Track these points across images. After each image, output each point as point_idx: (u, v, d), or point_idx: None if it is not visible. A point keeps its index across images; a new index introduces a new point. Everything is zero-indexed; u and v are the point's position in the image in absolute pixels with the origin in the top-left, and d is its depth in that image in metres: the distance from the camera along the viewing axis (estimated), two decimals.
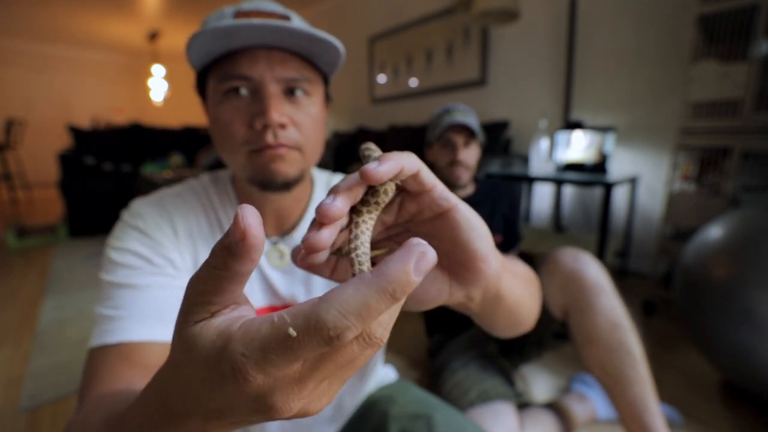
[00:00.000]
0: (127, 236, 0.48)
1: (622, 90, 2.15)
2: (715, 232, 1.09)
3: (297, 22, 0.48)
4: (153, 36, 5.66)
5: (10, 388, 1.23)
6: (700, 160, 1.69)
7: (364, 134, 3.57)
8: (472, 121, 1.15)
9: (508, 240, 1.23)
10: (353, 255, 0.21)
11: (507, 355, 1.05)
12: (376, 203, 0.23)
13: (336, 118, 4.69)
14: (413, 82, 3.51)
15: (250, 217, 0.16)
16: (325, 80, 0.53)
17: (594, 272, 0.81)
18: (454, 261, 0.27)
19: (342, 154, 3.71)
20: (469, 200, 1.16)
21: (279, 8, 0.48)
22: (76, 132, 3.74)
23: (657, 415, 0.74)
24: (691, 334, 1.11)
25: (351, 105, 4.38)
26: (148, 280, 0.45)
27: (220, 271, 0.16)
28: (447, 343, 1.14)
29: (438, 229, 0.26)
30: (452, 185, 1.17)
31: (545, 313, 0.87)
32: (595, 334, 0.77)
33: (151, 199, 0.52)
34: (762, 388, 0.98)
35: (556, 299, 0.84)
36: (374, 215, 0.23)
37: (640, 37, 2.05)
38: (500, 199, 1.23)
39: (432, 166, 1.18)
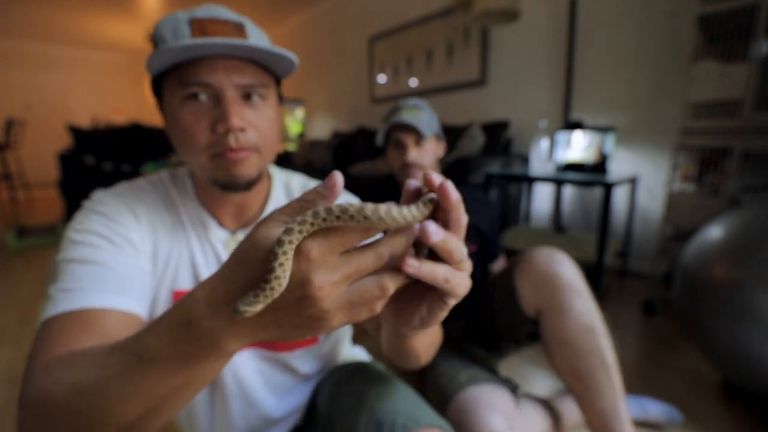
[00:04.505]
0: (87, 219, 0.49)
1: (622, 90, 2.15)
2: (715, 232, 1.09)
3: (251, 28, 0.51)
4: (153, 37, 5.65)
5: (10, 388, 1.23)
6: (700, 161, 1.69)
7: (364, 134, 3.57)
8: (422, 116, 1.03)
9: (484, 252, 1.15)
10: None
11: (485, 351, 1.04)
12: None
13: (336, 118, 4.69)
14: (413, 82, 3.51)
15: (338, 175, 0.24)
16: (278, 82, 0.56)
17: (569, 272, 0.78)
18: (416, 308, 0.30)
19: (342, 154, 3.71)
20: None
21: (233, 15, 0.50)
22: (76, 132, 3.74)
23: (628, 424, 0.72)
24: (691, 334, 1.11)
25: (351, 105, 4.38)
26: (108, 257, 0.46)
27: (307, 203, 0.24)
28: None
29: (427, 290, 0.28)
30: None
31: (519, 312, 0.86)
32: (567, 336, 0.75)
33: (113, 190, 0.54)
34: (762, 388, 0.98)
35: (529, 299, 0.82)
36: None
37: (640, 37, 2.05)
38: (474, 213, 1.11)
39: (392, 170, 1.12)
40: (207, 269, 0.56)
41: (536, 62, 2.53)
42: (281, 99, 0.58)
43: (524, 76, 2.63)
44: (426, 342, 0.46)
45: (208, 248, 0.56)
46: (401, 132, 1.05)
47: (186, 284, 0.55)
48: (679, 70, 1.89)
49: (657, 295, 1.77)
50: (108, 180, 3.31)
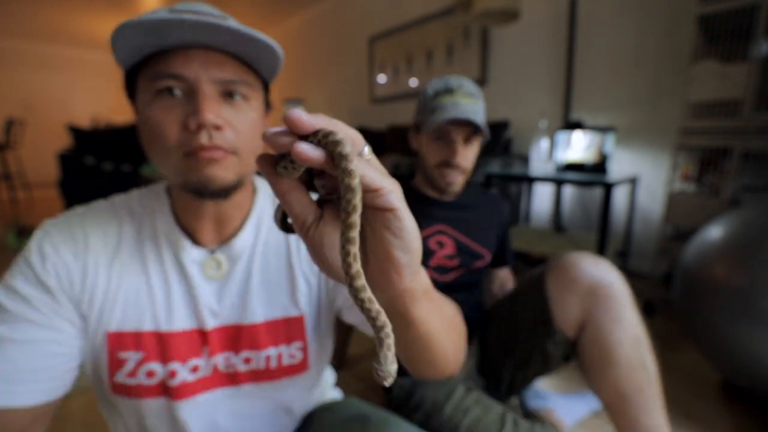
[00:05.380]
0: (17, 272, 0.44)
1: (622, 90, 2.15)
2: (715, 232, 1.09)
3: (233, 24, 0.46)
4: None
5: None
6: (700, 161, 1.69)
7: (364, 134, 3.56)
8: (478, 109, 0.85)
9: (497, 261, 1.07)
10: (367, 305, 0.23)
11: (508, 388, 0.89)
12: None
13: (336, 117, 4.65)
14: (413, 82, 3.51)
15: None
16: (266, 87, 0.51)
17: (619, 281, 0.71)
18: (373, 254, 0.27)
19: None
20: (455, 204, 0.96)
21: (215, 11, 0.46)
22: (76, 132, 3.73)
23: None
24: (691, 334, 1.11)
25: (351, 105, 4.38)
26: (26, 334, 0.42)
27: None
28: (419, 387, 0.86)
29: (372, 218, 0.25)
30: (441, 189, 0.92)
31: (553, 330, 0.75)
32: (617, 351, 0.67)
33: (59, 219, 0.48)
34: (762, 388, 0.98)
35: (571, 312, 0.72)
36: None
37: (640, 37, 2.05)
38: (494, 214, 1.01)
39: (416, 155, 0.96)
40: (166, 301, 0.49)
41: (536, 62, 2.53)
42: (269, 106, 0.52)
43: (524, 76, 2.63)
44: (437, 319, 0.36)
45: (173, 272, 0.49)
46: (453, 126, 0.85)
47: (129, 324, 0.47)
48: (679, 70, 1.89)
49: (657, 295, 1.77)
50: (108, 180, 3.31)
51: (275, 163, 0.24)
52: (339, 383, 0.77)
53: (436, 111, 0.84)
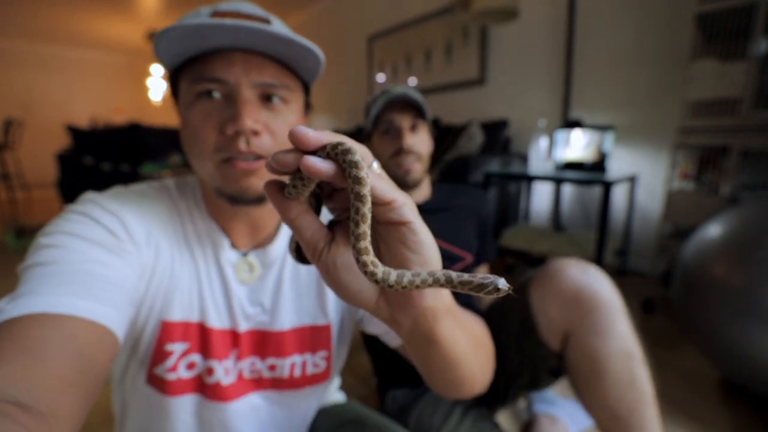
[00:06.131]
0: (63, 221, 0.41)
1: (621, 89, 2.15)
2: (714, 230, 1.09)
3: (277, 25, 0.46)
4: (152, 36, 5.65)
5: None
6: (699, 159, 1.69)
7: (363, 134, 3.56)
8: (417, 97, 0.91)
9: (478, 259, 1.04)
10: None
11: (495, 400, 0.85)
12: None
13: (335, 117, 4.68)
14: (412, 82, 3.51)
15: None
16: (306, 88, 0.51)
17: (608, 290, 0.66)
18: None
19: None
20: (425, 208, 0.93)
21: (259, 11, 0.46)
22: (75, 132, 3.73)
23: None
24: (690, 333, 1.11)
25: (350, 104, 4.38)
26: (80, 256, 0.38)
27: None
28: (414, 404, 0.84)
29: (386, 233, 0.25)
30: (403, 182, 0.92)
31: (538, 343, 0.72)
32: (605, 366, 0.63)
33: (107, 192, 0.46)
34: (761, 386, 0.98)
35: (555, 323, 0.69)
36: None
37: (639, 36, 2.05)
38: (473, 210, 1.00)
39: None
40: (211, 296, 0.48)
41: (535, 61, 2.53)
42: (308, 107, 0.52)
43: (523, 74, 2.63)
44: (462, 338, 0.35)
45: (214, 271, 0.49)
46: (396, 113, 0.89)
47: (182, 314, 0.47)
48: (677, 68, 1.89)
49: (656, 293, 1.77)
50: (107, 180, 3.31)
51: (282, 189, 0.24)
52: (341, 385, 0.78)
53: (375, 107, 0.92)
